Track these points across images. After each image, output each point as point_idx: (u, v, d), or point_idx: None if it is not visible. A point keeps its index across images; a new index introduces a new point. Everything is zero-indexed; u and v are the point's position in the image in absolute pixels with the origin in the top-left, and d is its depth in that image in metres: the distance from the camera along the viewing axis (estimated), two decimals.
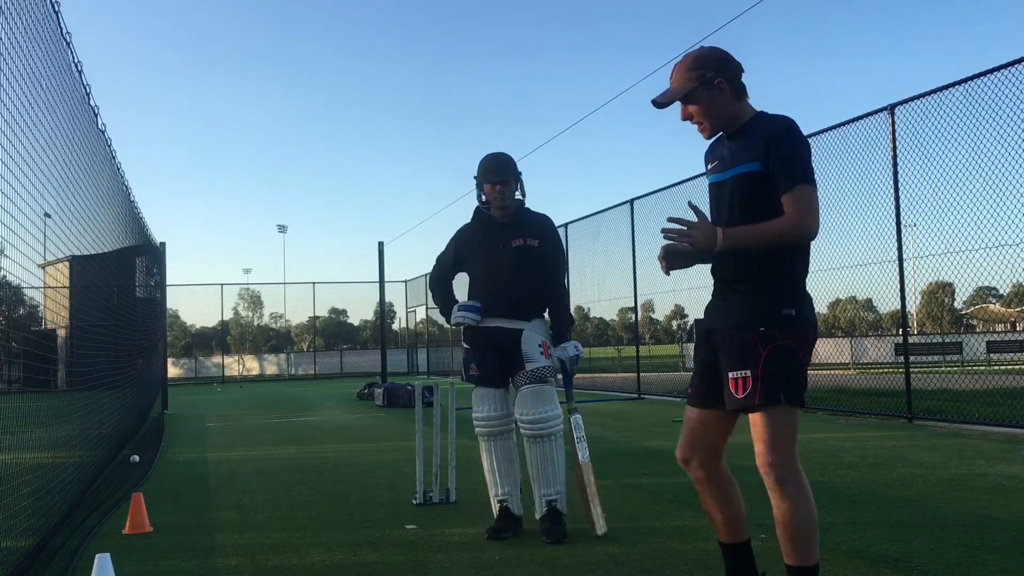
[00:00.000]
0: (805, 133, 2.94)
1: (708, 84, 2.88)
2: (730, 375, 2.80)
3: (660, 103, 2.94)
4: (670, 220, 2.83)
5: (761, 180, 2.82)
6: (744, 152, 2.86)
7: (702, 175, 14.73)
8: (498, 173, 4.67)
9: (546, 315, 4.76)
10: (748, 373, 2.74)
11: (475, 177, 4.77)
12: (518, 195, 4.77)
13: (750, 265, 2.82)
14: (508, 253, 4.63)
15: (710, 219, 2.93)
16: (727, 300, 2.90)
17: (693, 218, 2.87)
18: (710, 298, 3.01)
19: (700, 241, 2.77)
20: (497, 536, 4.50)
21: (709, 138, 3.01)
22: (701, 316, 3.10)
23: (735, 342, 2.80)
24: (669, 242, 2.86)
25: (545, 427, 4.48)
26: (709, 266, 3.01)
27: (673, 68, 2.96)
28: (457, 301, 4.83)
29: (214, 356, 41.32)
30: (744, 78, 2.97)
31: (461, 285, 4.93)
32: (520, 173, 4.76)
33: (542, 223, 4.75)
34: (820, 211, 2.81)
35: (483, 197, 4.76)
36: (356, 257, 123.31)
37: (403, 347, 36.85)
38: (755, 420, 2.75)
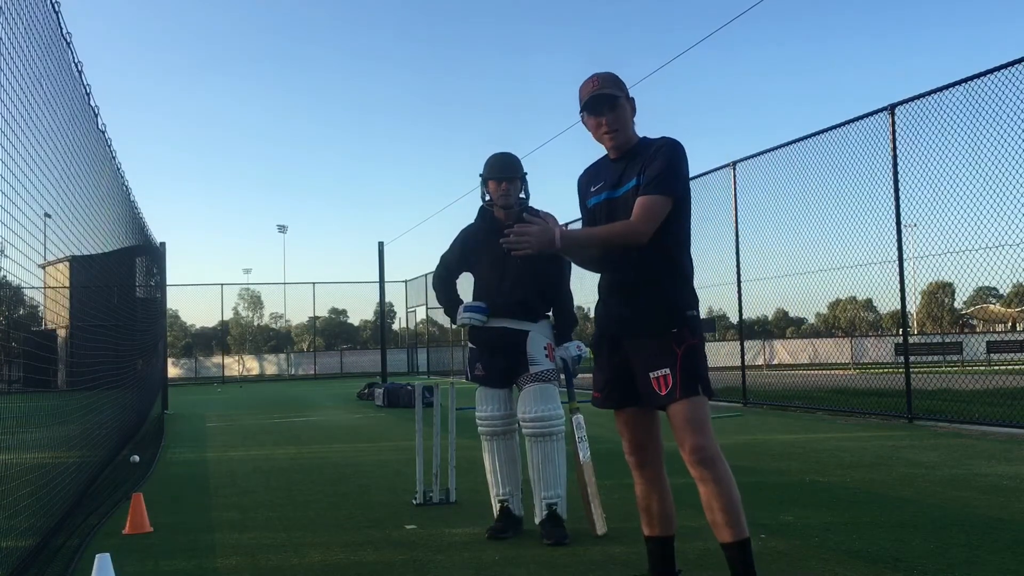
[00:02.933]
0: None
1: (628, 100, 3.21)
2: (651, 375, 3.03)
3: (607, 95, 3.14)
4: (509, 231, 3.08)
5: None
6: (633, 169, 3.13)
7: (701, 176, 14.68)
8: (505, 170, 4.67)
9: (551, 315, 4.76)
10: (668, 371, 3.00)
11: (480, 175, 4.77)
12: (522, 195, 4.77)
13: (653, 270, 3.08)
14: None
15: None
16: (632, 305, 3.11)
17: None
18: (600, 304, 3.28)
19: (538, 243, 3.03)
20: (497, 536, 4.50)
21: (613, 146, 3.21)
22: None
23: (651, 345, 3.04)
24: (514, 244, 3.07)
25: (547, 426, 4.47)
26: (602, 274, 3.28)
27: (595, 80, 3.19)
28: (462, 301, 4.83)
29: (214, 356, 41.31)
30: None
31: (462, 284, 4.93)
32: (526, 173, 4.77)
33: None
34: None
35: (487, 196, 4.76)
36: (356, 257, 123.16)
37: (403, 347, 36.85)
38: (677, 412, 2.98)
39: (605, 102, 3.15)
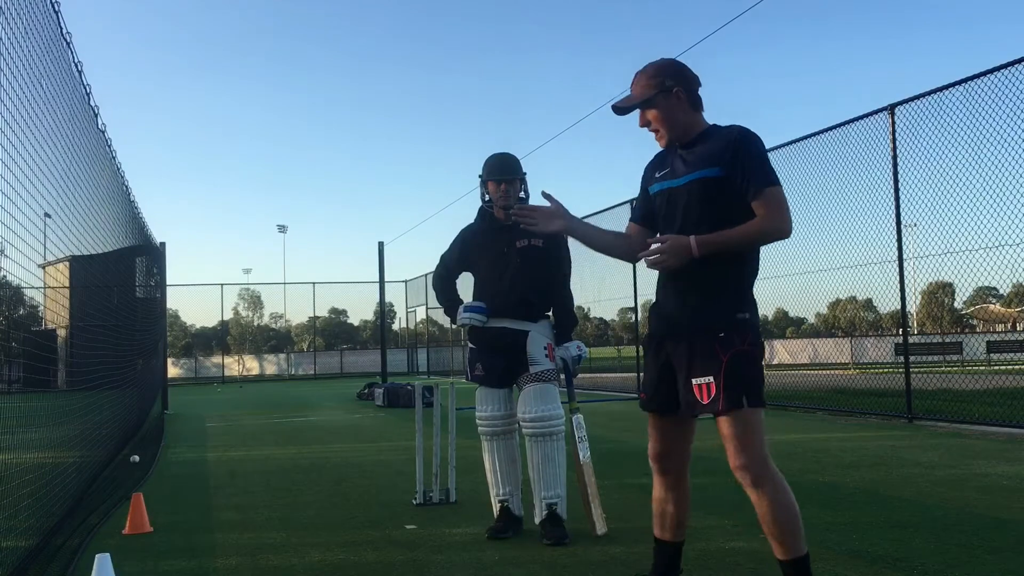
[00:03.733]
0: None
1: (667, 92, 2.98)
2: (693, 382, 2.86)
3: (620, 108, 3.06)
4: (650, 242, 2.97)
5: (720, 185, 2.90)
6: (703, 159, 2.94)
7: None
8: (504, 171, 4.66)
9: (551, 315, 4.75)
10: (711, 379, 2.81)
11: (480, 176, 4.77)
12: (521, 195, 4.76)
13: (706, 272, 2.89)
14: (514, 254, 4.61)
15: (659, 225, 3.09)
16: (680, 306, 2.96)
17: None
18: (654, 303, 3.13)
19: (675, 261, 2.89)
20: (497, 536, 4.50)
21: (666, 146, 3.08)
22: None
23: (695, 349, 2.87)
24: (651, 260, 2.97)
25: (546, 426, 4.47)
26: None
27: (634, 76, 3.06)
28: (462, 301, 4.83)
29: (214, 356, 41.34)
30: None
31: (463, 284, 4.93)
32: (525, 173, 4.76)
33: None
34: (792, 212, 2.93)
35: (487, 196, 4.75)
36: (356, 257, 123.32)
37: (403, 347, 36.85)
38: (722, 424, 2.82)
39: (629, 112, 3.04)
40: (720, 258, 2.87)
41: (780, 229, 2.87)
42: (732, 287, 2.91)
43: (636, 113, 3.07)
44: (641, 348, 3.43)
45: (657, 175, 3.13)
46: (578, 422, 4.57)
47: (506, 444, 4.68)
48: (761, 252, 3.04)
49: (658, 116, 3.00)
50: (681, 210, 2.97)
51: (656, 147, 3.16)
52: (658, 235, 3.06)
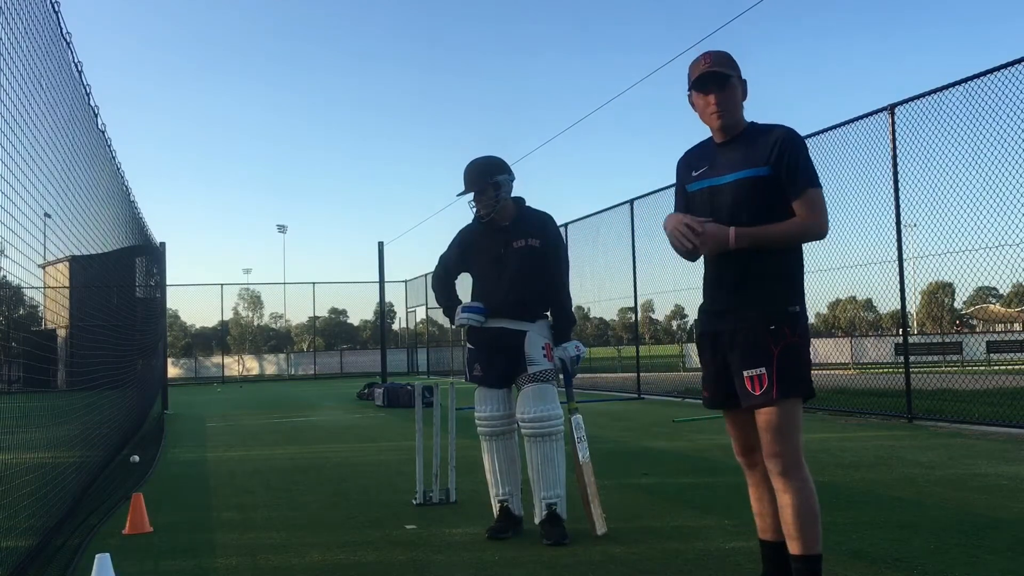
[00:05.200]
0: (805, 133, 3.04)
1: (740, 81, 3.04)
2: (745, 374, 2.89)
3: (718, 73, 2.98)
4: (685, 224, 2.93)
5: (767, 184, 2.93)
6: (748, 157, 2.96)
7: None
8: (468, 184, 4.64)
9: (549, 315, 4.75)
10: (763, 371, 2.85)
11: None
12: (503, 195, 4.68)
13: (759, 266, 2.92)
14: (510, 255, 4.61)
15: (710, 218, 3.01)
16: (731, 301, 2.97)
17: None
18: (704, 299, 3.11)
19: (714, 246, 2.91)
20: (497, 536, 4.50)
21: (718, 129, 3.04)
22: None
23: (748, 342, 2.90)
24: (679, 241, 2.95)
25: (545, 426, 4.46)
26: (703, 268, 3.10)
27: (702, 60, 3.02)
28: (461, 301, 4.83)
29: (214, 356, 41.32)
30: (744, 77, 3.08)
31: (462, 284, 4.92)
32: (501, 177, 4.63)
33: (543, 222, 4.72)
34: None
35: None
36: (356, 257, 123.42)
37: (403, 347, 36.84)
38: (766, 413, 2.85)
39: (714, 80, 2.98)
40: (773, 251, 2.92)
41: (820, 230, 2.92)
42: (784, 280, 2.95)
43: (691, 94, 3.05)
44: (695, 348, 3.40)
45: (694, 173, 3.11)
46: (577, 422, 4.57)
47: (505, 444, 4.68)
48: None
49: (726, 99, 3.00)
50: (726, 208, 2.97)
51: (676, 143, 3.16)
52: (699, 219, 2.98)
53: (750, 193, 2.94)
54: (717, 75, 2.98)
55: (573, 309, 4.83)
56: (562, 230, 17.98)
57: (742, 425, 3.05)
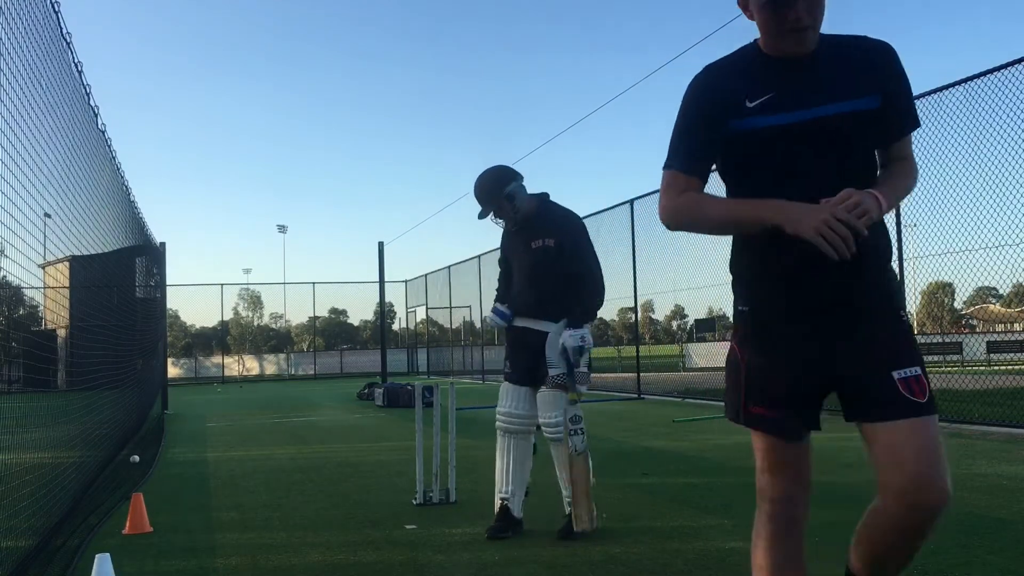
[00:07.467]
0: None
1: None
2: (896, 375, 2.09)
3: None
4: (835, 217, 1.96)
5: (875, 119, 2.14)
6: (852, 82, 2.12)
7: None
8: (483, 205, 4.72)
9: None
10: (918, 371, 2.11)
11: None
12: (517, 203, 4.72)
13: (877, 237, 2.14)
14: (528, 255, 4.68)
15: (793, 171, 2.12)
16: (851, 283, 2.11)
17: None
18: (777, 284, 2.19)
19: (878, 211, 2.02)
20: (497, 536, 4.51)
21: (805, 50, 2.10)
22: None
23: (890, 337, 2.14)
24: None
25: (558, 431, 4.53)
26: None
27: None
28: (504, 299, 4.93)
29: (214, 356, 41.31)
30: None
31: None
32: (511, 187, 4.64)
33: (561, 221, 4.73)
34: None
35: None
36: (356, 257, 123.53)
37: (403, 347, 36.83)
38: (925, 427, 2.12)
39: None
40: (882, 220, 2.14)
41: (916, 182, 2.26)
42: (891, 257, 2.23)
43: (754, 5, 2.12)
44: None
45: (751, 103, 2.12)
46: (573, 414, 4.56)
47: (518, 443, 4.69)
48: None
49: (820, 8, 2.07)
50: (834, 156, 2.10)
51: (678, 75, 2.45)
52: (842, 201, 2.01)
53: (863, 132, 2.13)
54: None
55: (595, 303, 4.68)
56: None
57: (804, 460, 2.30)
